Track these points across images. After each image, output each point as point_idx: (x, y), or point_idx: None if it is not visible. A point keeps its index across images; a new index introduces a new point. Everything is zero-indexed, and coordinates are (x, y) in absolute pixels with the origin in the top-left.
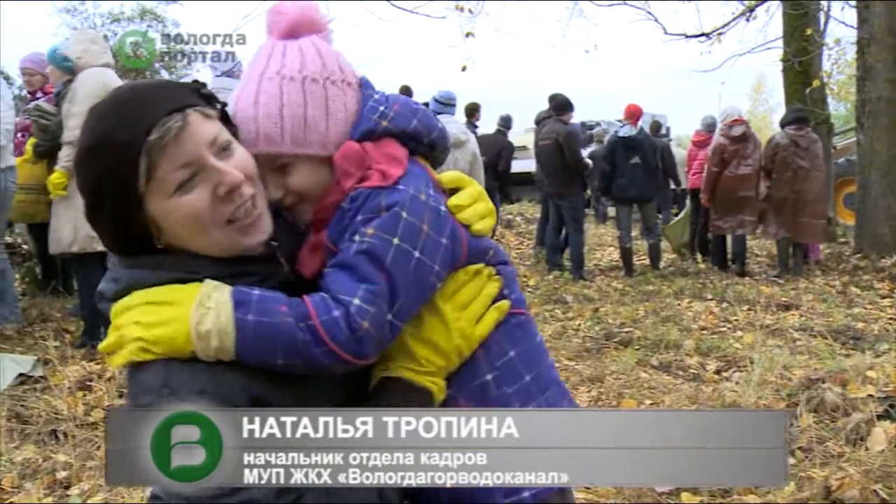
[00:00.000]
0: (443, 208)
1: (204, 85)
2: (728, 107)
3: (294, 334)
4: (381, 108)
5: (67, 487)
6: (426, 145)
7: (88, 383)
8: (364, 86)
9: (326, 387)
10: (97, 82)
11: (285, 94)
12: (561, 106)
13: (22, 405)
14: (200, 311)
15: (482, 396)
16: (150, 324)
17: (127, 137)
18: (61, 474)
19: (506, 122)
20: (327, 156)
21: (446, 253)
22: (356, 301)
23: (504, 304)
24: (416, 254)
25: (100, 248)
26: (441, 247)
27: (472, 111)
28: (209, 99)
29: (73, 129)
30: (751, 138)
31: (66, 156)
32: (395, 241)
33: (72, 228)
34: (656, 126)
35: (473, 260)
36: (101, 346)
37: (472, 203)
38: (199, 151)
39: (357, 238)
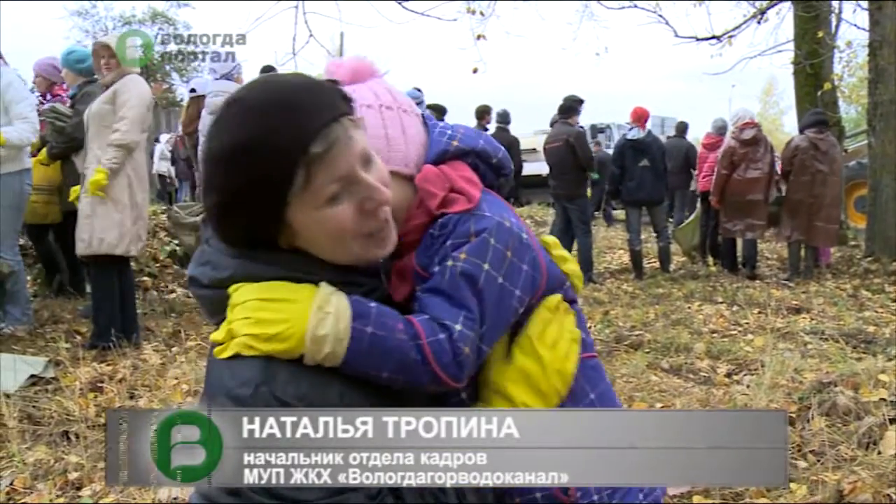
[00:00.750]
0: (524, 235)
1: (339, 83)
2: (740, 109)
3: (407, 352)
4: (449, 132)
5: (79, 488)
6: (494, 168)
7: (100, 385)
8: (426, 118)
9: (416, 400)
10: (148, 91)
11: (366, 118)
12: (567, 109)
13: (34, 406)
14: (319, 315)
15: None
16: (262, 321)
17: (288, 145)
18: (73, 475)
19: (504, 118)
20: (409, 175)
21: (527, 279)
22: (458, 326)
23: (577, 331)
24: (500, 279)
25: (133, 252)
26: (522, 272)
27: (483, 113)
28: (349, 100)
29: (126, 132)
30: (762, 142)
31: (112, 157)
32: (486, 266)
33: (118, 232)
34: (682, 127)
35: (552, 288)
36: (213, 336)
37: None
38: (352, 165)
39: (450, 262)
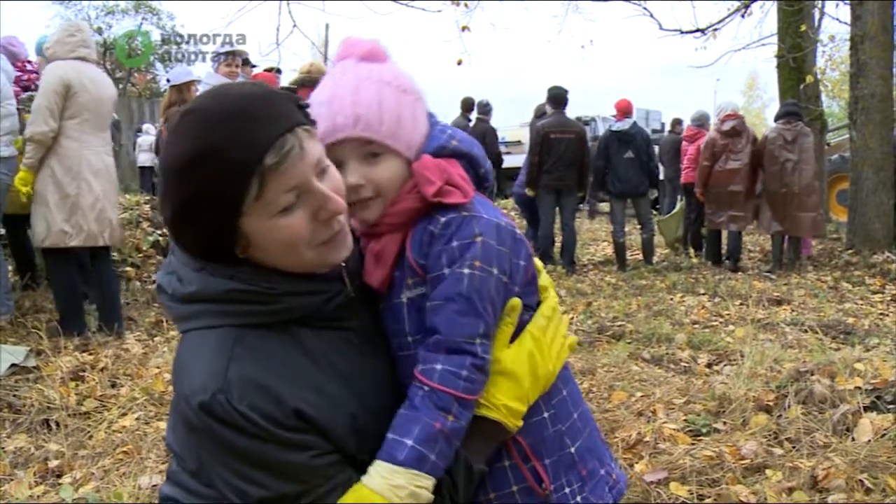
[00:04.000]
0: (517, 232)
1: (296, 90)
2: (724, 102)
3: (461, 430)
4: (449, 131)
5: (59, 476)
6: (479, 177)
7: (81, 373)
8: (428, 114)
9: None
10: (55, 77)
11: (384, 93)
12: (563, 100)
13: (14, 395)
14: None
15: (539, 434)
16: None
17: (240, 157)
18: (53, 463)
19: (484, 109)
20: (408, 159)
21: (524, 272)
22: (478, 340)
23: (573, 338)
24: (505, 279)
25: (72, 243)
26: (520, 268)
27: (469, 105)
28: (304, 109)
29: (30, 125)
30: (743, 133)
31: (27, 154)
32: (495, 270)
33: (45, 225)
34: (674, 123)
35: (533, 280)
36: None
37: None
38: (306, 175)
39: (467, 270)
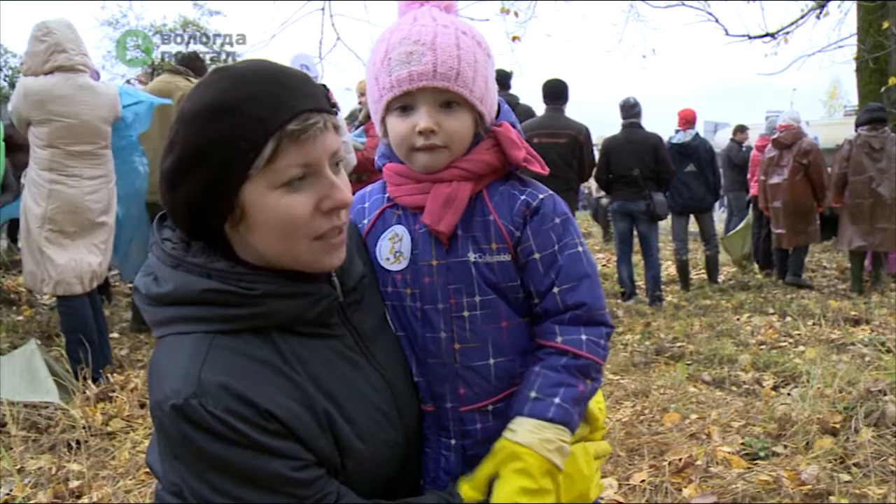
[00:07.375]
0: None
1: (329, 91)
2: (783, 113)
3: (595, 391)
4: (512, 116)
5: (79, 496)
6: None
7: (111, 394)
8: None
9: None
10: (16, 96)
11: (478, 54)
12: (560, 93)
13: (39, 415)
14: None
15: None
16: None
17: (266, 114)
18: (74, 483)
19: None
20: (480, 112)
21: None
22: (606, 310)
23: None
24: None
25: (46, 290)
26: None
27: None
28: (335, 108)
29: None
30: (791, 147)
31: None
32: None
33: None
34: (734, 130)
35: None
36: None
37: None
38: (321, 157)
39: (580, 249)
